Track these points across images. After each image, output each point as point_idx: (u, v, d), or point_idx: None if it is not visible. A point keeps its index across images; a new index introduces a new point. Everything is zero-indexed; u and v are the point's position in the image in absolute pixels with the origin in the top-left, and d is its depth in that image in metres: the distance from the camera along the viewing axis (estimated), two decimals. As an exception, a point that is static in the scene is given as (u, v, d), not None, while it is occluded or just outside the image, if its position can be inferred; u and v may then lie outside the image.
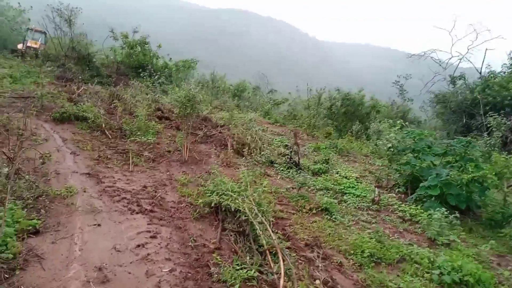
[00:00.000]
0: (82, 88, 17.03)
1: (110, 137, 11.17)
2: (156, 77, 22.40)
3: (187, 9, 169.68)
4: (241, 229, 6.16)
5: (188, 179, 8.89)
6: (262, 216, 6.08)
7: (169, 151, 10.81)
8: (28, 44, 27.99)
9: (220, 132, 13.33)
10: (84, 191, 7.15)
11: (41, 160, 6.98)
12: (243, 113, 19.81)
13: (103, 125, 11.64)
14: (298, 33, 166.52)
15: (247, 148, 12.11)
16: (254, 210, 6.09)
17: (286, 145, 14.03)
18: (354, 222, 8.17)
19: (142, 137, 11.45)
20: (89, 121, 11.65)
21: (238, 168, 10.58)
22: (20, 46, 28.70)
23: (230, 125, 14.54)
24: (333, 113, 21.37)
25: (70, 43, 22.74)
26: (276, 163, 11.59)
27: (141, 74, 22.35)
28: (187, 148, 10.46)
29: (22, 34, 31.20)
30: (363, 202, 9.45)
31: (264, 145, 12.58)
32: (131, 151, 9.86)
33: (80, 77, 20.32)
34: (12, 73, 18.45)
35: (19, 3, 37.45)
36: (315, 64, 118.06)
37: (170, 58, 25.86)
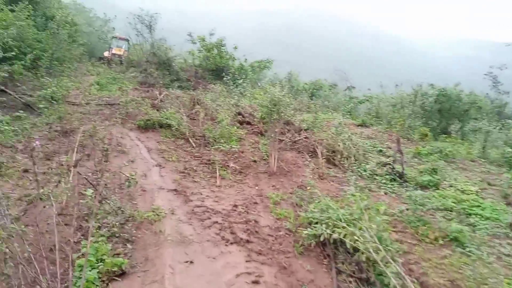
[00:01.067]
0: (164, 93, 16.84)
1: (194, 145, 10.47)
2: (235, 79, 21.80)
3: (257, 11, 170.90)
4: (363, 274, 4.81)
5: (280, 195, 7.75)
6: (387, 253, 4.67)
7: (254, 161, 9.78)
8: (113, 52, 29.21)
9: (306, 138, 12.03)
10: (172, 213, 6.33)
11: (127, 183, 6.26)
12: (322, 113, 18.30)
13: (187, 133, 11.00)
14: (370, 26, 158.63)
15: (339, 156, 10.70)
16: (381, 251, 4.68)
17: (381, 151, 12.31)
18: (495, 256, 6.37)
19: (226, 145, 10.60)
20: (172, 128, 11.07)
21: (333, 181, 9.22)
22: (106, 53, 30.10)
23: (315, 129, 13.17)
24: (426, 111, 18.83)
25: (151, 49, 23.08)
26: (377, 175, 9.97)
27: (224, 78, 21.86)
28: (274, 158, 9.33)
29: (108, 42, 32.75)
30: (497, 228, 7.50)
31: (359, 152, 11.02)
32: (217, 162, 8.99)
33: (161, 82, 20.38)
34: (99, 80, 18.97)
35: (104, 13, 39.72)
36: (389, 58, 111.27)
37: (245, 59, 25.18)
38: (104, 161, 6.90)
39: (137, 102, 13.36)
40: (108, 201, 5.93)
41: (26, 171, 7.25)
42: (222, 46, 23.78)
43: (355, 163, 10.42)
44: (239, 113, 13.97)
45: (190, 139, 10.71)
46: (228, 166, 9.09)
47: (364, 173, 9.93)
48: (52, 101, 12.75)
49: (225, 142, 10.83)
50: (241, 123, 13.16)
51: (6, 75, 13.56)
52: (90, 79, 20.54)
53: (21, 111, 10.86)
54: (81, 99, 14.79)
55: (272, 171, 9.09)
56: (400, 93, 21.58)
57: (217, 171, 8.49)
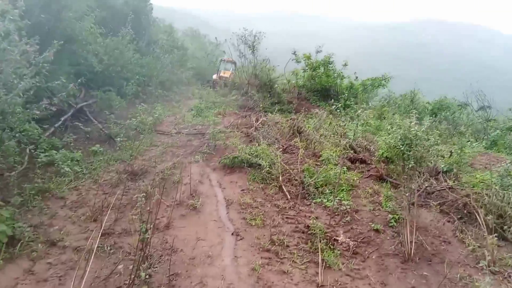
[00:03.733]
0: (260, 119, 14.48)
1: (288, 196, 7.58)
2: (344, 100, 18.57)
3: (365, 26, 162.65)
4: None
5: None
6: None
7: (377, 230, 6.43)
8: (221, 74, 28.61)
9: (450, 188, 8.15)
10: None
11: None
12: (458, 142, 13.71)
13: (280, 178, 8.20)
14: (497, 34, 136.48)
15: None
16: None
17: None
18: None
19: (332, 198, 7.48)
20: (263, 170, 8.40)
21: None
22: (214, 76, 29.71)
23: (460, 172, 9.16)
24: None
25: (253, 70, 21.26)
26: None
27: (332, 98, 18.83)
28: (410, 231, 5.85)
29: (216, 65, 32.49)
30: None
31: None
32: (318, 233, 5.94)
33: (261, 105, 18.22)
34: (198, 105, 17.62)
35: (216, 37, 40.20)
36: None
37: (356, 77, 21.65)
38: (146, 239, 4.50)
39: (226, 133, 11.12)
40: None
41: (53, 244, 5.28)
42: (330, 64, 20.69)
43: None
44: (351, 147, 10.67)
45: (283, 187, 7.86)
46: (335, 240, 5.95)
47: None
48: (141, 131, 11.35)
49: (331, 192, 7.73)
50: (353, 161, 9.86)
51: (95, 101, 12.81)
52: (192, 103, 19.44)
53: (99, 145, 9.48)
54: (173, 127, 13.26)
55: (407, 254, 5.66)
56: None
57: (319, 253, 5.43)
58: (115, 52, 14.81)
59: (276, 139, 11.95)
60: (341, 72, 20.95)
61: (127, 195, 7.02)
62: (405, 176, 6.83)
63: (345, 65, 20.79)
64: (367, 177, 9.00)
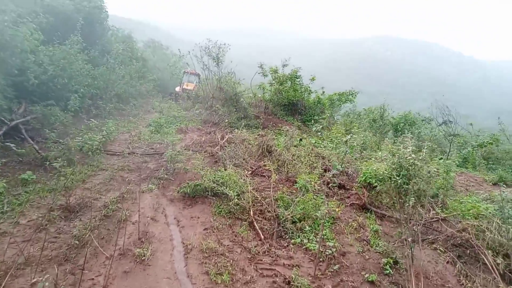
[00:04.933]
0: (226, 137, 13.15)
1: (261, 235, 6.24)
2: (311, 115, 17.65)
3: (326, 41, 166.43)
4: None
5: None
6: None
7: (372, 282, 5.21)
8: (184, 87, 27.10)
9: (442, 219, 7.18)
10: None
11: None
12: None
13: (251, 211, 6.86)
14: (451, 52, 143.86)
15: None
16: None
17: None
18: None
19: (314, 237, 6.26)
20: (231, 201, 7.02)
21: None
22: (177, 89, 28.11)
23: (447, 197, 8.26)
24: None
25: (218, 83, 19.94)
26: None
27: (298, 113, 17.86)
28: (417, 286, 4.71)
29: (179, 78, 30.91)
30: None
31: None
32: (301, 289, 4.65)
33: (226, 120, 16.90)
34: (158, 120, 16.00)
35: (179, 49, 38.56)
36: (475, 85, 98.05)
37: (323, 92, 20.91)
38: None
39: (187, 154, 9.67)
40: None
41: None
42: (297, 78, 19.80)
43: None
44: (327, 169, 9.55)
45: (255, 223, 6.52)
46: (323, 299, 4.69)
47: None
48: (87, 152, 9.66)
49: (311, 228, 6.49)
50: (329, 185, 8.72)
51: (34, 117, 10.92)
52: (152, 117, 17.76)
53: (31, 171, 7.74)
54: (126, 146, 11.61)
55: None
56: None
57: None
58: (61, 62, 12.97)
59: (244, 159, 10.65)
60: (309, 87, 20.12)
61: (56, 243, 5.40)
62: (405, 216, 5.73)
63: (313, 79, 19.98)
64: (349, 206, 7.87)
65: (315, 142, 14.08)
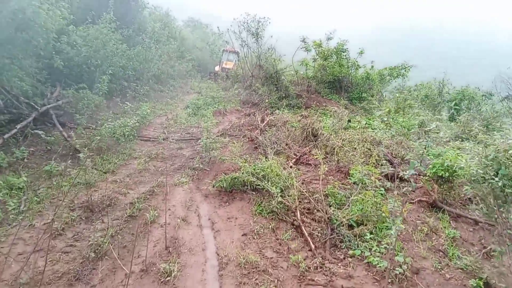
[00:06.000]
0: (267, 119, 11.93)
1: (312, 245, 5.04)
2: (360, 92, 15.97)
3: (368, 11, 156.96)
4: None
5: None
6: None
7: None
8: (223, 66, 26.06)
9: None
10: None
11: None
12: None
13: (298, 213, 5.66)
14: (504, 20, 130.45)
15: None
16: None
17: None
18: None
19: (377, 247, 4.97)
20: (273, 201, 5.85)
21: None
22: (217, 68, 27.14)
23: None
24: None
25: (257, 61, 18.56)
26: None
27: (345, 92, 16.24)
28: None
29: (219, 57, 29.86)
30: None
31: None
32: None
33: (266, 100, 15.63)
34: (196, 101, 15.07)
35: (218, 27, 37.31)
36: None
37: (372, 66, 18.90)
38: None
39: (223, 141, 8.58)
40: None
41: None
42: (343, 52, 17.89)
43: None
44: (388, 160, 8.05)
45: (303, 229, 5.32)
46: None
47: None
48: (118, 139, 8.89)
49: (372, 234, 5.20)
50: (389, 177, 7.28)
51: (66, 101, 10.27)
52: (190, 98, 16.91)
53: (56, 162, 7.03)
54: (162, 131, 10.77)
55: None
56: None
57: None
58: (95, 42, 12.24)
59: (286, 144, 9.44)
60: (356, 61, 18.17)
61: (70, 253, 4.56)
62: (504, 220, 4.28)
63: (361, 53, 17.94)
64: (414, 204, 6.44)
65: (366, 123, 12.46)
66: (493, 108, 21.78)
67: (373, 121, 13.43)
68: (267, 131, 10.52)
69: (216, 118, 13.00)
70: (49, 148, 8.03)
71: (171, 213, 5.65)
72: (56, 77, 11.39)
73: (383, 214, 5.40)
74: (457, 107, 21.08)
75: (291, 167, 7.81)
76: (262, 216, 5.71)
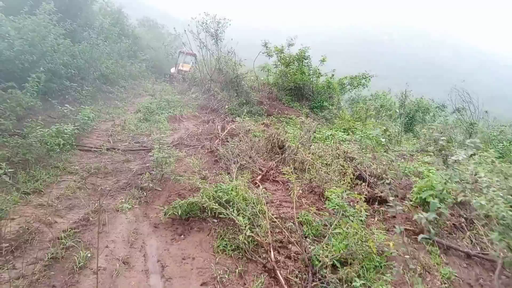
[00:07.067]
0: (228, 127, 10.86)
1: (288, 291, 4.04)
2: (321, 101, 15.38)
3: (320, 25, 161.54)
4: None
5: None
6: None
7: None
8: (180, 68, 24.63)
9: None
10: None
11: None
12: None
13: (271, 253, 4.61)
14: (448, 37, 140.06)
15: None
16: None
17: None
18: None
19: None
20: (240, 235, 4.75)
21: None
22: (172, 70, 25.62)
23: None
24: None
25: (217, 64, 17.43)
26: None
27: (304, 98, 15.52)
28: None
29: (175, 58, 28.28)
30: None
31: None
32: None
33: (226, 106, 14.56)
34: (148, 105, 13.58)
35: (174, 28, 35.61)
36: (471, 71, 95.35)
37: (333, 75, 18.49)
38: None
39: (177, 157, 7.32)
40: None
41: None
42: (305, 59, 17.32)
43: None
44: (359, 176, 7.29)
45: (278, 273, 4.29)
46: None
47: None
48: (52, 148, 7.34)
49: (361, 278, 4.28)
50: (368, 200, 6.47)
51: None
52: (142, 101, 15.34)
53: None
54: (106, 140, 9.29)
55: None
56: None
57: None
58: (31, 35, 10.45)
59: (250, 157, 8.42)
60: (318, 69, 17.67)
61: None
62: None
63: (323, 60, 17.49)
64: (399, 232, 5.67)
65: (331, 134, 11.80)
66: (445, 120, 22.37)
67: (337, 131, 12.87)
68: (228, 141, 9.45)
69: (171, 125, 11.69)
70: (-43, 161, 6.33)
71: (109, 252, 4.37)
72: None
73: (370, 250, 4.55)
74: (411, 118, 21.40)
75: (257, 185, 6.80)
76: (226, 254, 4.59)
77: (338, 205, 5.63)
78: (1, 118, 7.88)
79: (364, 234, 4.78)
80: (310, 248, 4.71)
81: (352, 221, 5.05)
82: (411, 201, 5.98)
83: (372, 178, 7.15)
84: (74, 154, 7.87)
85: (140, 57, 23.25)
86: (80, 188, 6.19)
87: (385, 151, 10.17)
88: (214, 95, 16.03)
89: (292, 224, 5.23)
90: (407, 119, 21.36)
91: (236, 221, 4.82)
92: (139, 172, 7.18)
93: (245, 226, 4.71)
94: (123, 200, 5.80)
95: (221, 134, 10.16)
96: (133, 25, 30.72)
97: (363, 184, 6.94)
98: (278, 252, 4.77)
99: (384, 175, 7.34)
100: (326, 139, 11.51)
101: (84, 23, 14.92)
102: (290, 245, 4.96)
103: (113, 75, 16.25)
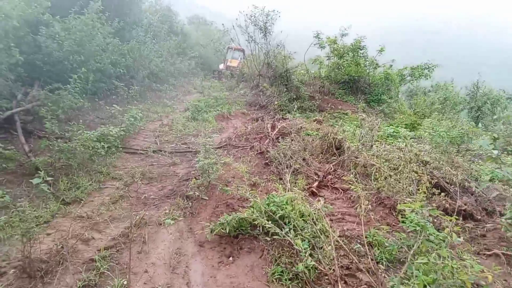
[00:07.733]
0: (279, 125, 9.99)
1: None
2: (379, 94, 13.95)
3: (375, 13, 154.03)
4: None
5: None
6: None
7: None
8: (228, 64, 24.31)
9: None
10: None
11: None
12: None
13: (339, 285, 3.70)
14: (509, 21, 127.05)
15: None
16: None
17: None
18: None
19: None
20: (300, 263, 3.89)
21: None
22: (221, 66, 25.36)
23: None
24: None
25: (265, 58, 16.59)
26: None
27: (359, 92, 14.19)
28: None
29: (223, 54, 28.00)
30: None
31: None
32: None
33: (275, 102, 13.69)
34: (197, 103, 13.11)
35: (223, 24, 35.37)
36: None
37: (391, 65, 16.84)
38: None
39: (226, 161, 6.57)
40: None
41: None
42: (361, 49, 15.89)
43: None
44: (437, 185, 6.08)
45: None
46: None
47: None
48: (96, 152, 6.97)
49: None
50: (449, 213, 5.30)
51: (35, 104, 8.30)
52: (191, 99, 15.00)
53: (4, 190, 5.11)
54: (153, 141, 8.87)
55: None
56: None
57: None
58: (79, 35, 10.34)
59: (304, 159, 7.51)
60: (375, 60, 16.14)
61: None
62: None
63: (381, 50, 15.92)
64: (484, 254, 4.49)
65: (394, 131, 10.49)
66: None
67: (397, 127, 11.50)
68: (279, 141, 8.61)
69: (219, 123, 11.09)
70: (5, 166, 6.13)
71: (148, 279, 3.73)
72: (37, 75, 9.61)
73: (462, 285, 3.47)
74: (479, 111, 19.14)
75: (315, 194, 5.89)
76: (282, 284, 3.76)
77: (418, 225, 4.53)
78: (46, 121, 7.68)
79: (455, 264, 3.68)
80: (386, 278, 3.73)
81: (439, 247, 3.96)
82: (501, 215, 4.72)
83: (452, 186, 5.90)
84: (120, 157, 7.49)
85: (189, 54, 23.13)
86: (122, 197, 5.70)
87: (457, 151, 8.75)
88: (262, 91, 15.26)
89: (359, 245, 4.30)
90: (473, 112, 19.13)
91: (294, 245, 3.96)
92: (185, 177, 6.57)
93: (306, 253, 3.83)
94: (167, 211, 5.19)
95: (271, 133, 9.33)
96: (182, 22, 30.85)
97: (442, 194, 5.71)
98: (345, 283, 3.85)
99: (467, 183, 6.10)
100: (388, 137, 10.23)
101: (133, 21, 14.80)
102: (360, 273, 4.02)
103: (162, 73, 16.08)
